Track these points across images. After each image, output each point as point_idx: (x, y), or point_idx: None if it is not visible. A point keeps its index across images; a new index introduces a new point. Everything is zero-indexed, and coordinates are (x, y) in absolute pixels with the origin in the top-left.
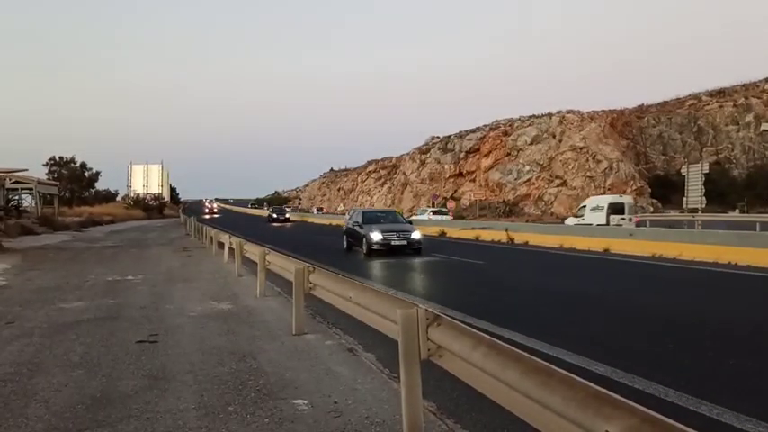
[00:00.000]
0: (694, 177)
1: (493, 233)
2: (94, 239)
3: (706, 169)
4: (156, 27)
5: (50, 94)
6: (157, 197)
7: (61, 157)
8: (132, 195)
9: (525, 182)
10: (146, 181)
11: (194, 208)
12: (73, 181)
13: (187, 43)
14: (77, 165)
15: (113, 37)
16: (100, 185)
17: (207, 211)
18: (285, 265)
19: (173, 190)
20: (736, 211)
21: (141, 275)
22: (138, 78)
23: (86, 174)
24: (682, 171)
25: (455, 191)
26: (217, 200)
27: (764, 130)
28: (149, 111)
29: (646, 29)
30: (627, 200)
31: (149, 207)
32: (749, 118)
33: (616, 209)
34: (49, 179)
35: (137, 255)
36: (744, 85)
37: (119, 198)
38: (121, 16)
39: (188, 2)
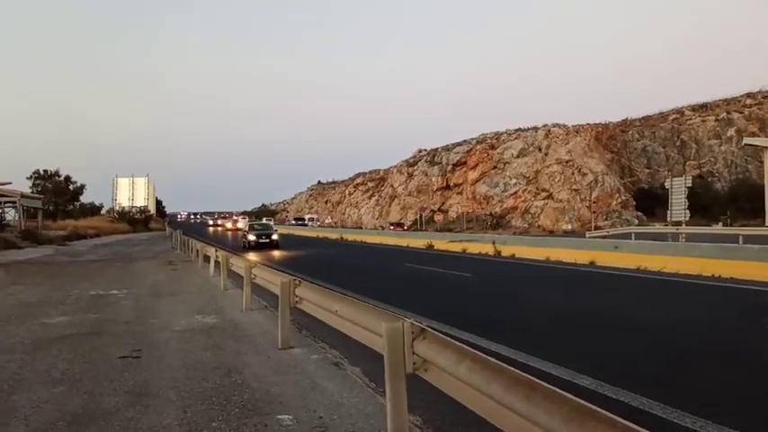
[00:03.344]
0: (678, 190)
1: (480, 246)
2: (78, 253)
3: (689, 182)
4: (142, 36)
5: (34, 106)
6: (143, 210)
7: (45, 171)
8: (117, 208)
9: (512, 194)
10: (131, 194)
11: (177, 222)
12: (57, 194)
13: (173, 55)
14: (62, 178)
15: (100, 47)
16: (85, 199)
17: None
18: (271, 279)
19: (159, 203)
20: (720, 224)
21: (126, 290)
22: (122, 90)
23: (71, 187)
24: (665, 184)
25: (442, 203)
26: (197, 214)
27: (746, 145)
28: (135, 124)
29: (629, 43)
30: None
31: (135, 220)
32: (731, 132)
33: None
34: (32, 192)
35: (121, 269)
36: (725, 100)
37: (103, 211)
38: (107, 25)
39: (173, 12)
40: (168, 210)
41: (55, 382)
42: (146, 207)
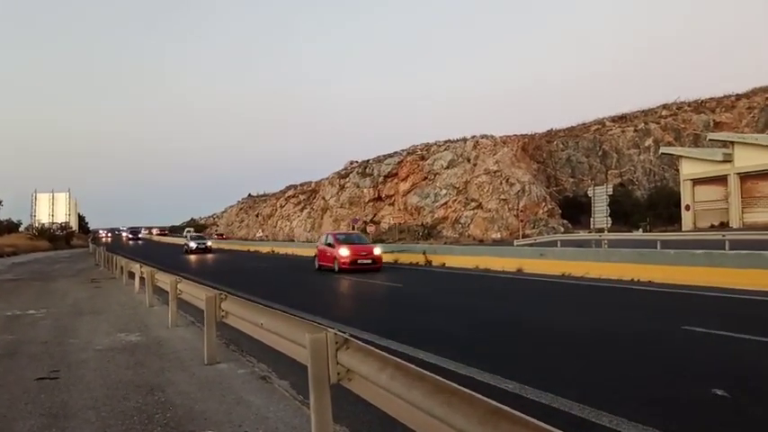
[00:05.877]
0: (600, 199)
1: (411, 256)
2: None
3: (610, 191)
4: (64, 48)
5: None
6: (64, 227)
7: None
8: (37, 225)
9: (442, 205)
10: (52, 210)
11: (104, 243)
12: None
13: (95, 66)
14: None
15: (22, 58)
16: (1, 215)
17: None
18: (197, 294)
19: (81, 219)
20: (640, 230)
21: (45, 309)
22: (43, 103)
23: None
24: (588, 193)
25: (375, 215)
26: (137, 230)
27: (663, 154)
28: (56, 136)
29: (553, 55)
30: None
31: (56, 237)
32: (649, 142)
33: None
34: None
35: (40, 287)
36: (643, 111)
37: (22, 228)
38: (32, 41)
39: (94, 20)
40: (92, 225)
41: None
42: (67, 223)
